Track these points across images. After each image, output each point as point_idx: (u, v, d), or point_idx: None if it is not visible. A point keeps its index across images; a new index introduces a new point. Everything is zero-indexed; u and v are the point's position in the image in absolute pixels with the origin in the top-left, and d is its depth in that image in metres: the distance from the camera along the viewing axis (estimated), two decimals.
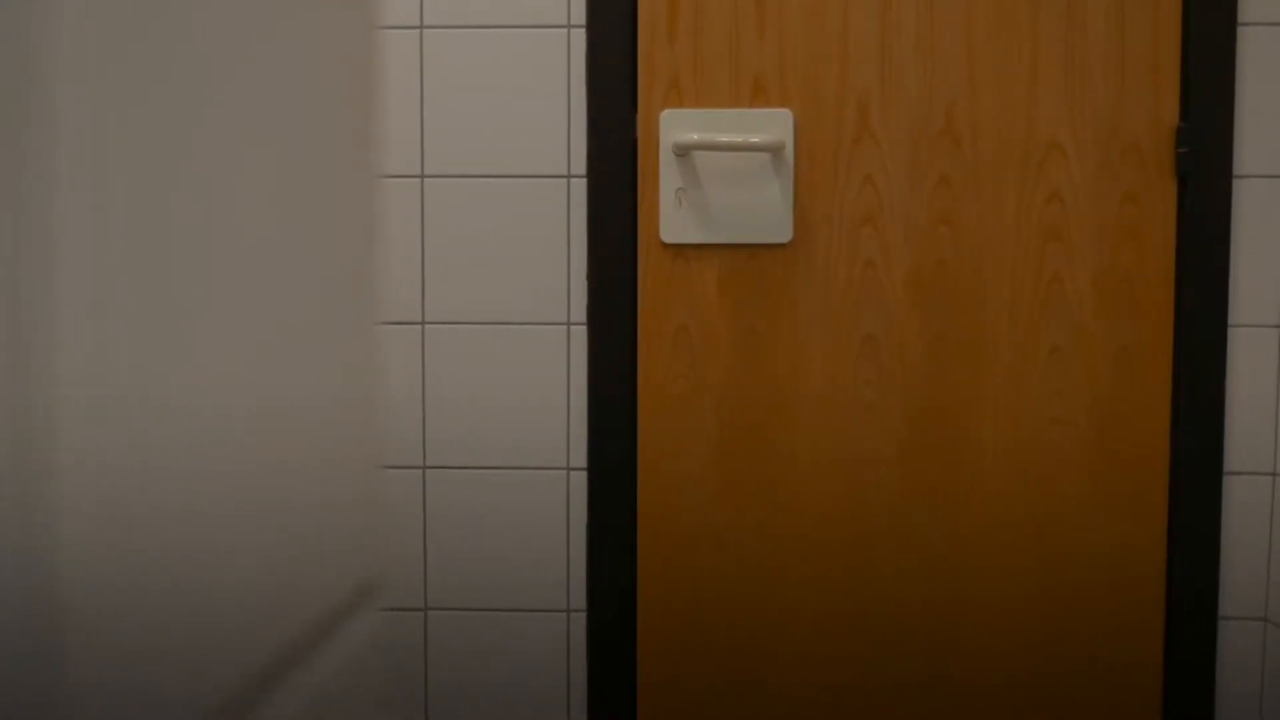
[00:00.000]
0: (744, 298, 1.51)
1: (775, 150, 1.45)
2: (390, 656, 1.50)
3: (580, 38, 1.45)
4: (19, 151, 0.27)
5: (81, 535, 0.30)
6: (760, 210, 1.49)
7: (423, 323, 1.48)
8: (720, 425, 1.51)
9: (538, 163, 1.47)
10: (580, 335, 1.47)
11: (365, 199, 0.53)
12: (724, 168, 1.48)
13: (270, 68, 0.42)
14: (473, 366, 1.48)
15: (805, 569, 1.51)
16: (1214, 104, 1.45)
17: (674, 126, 1.47)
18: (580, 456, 1.48)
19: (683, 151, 1.46)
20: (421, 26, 1.46)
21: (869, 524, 1.50)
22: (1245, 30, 1.45)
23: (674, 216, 1.48)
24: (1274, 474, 1.49)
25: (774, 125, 1.48)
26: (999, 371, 1.49)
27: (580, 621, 1.50)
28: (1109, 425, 1.49)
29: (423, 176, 1.47)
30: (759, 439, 1.51)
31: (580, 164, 1.46)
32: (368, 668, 0.53)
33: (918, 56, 1.48)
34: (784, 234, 1.49)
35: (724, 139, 1.44)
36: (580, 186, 1.47)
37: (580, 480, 1.49)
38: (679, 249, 1.49)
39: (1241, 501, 1.48)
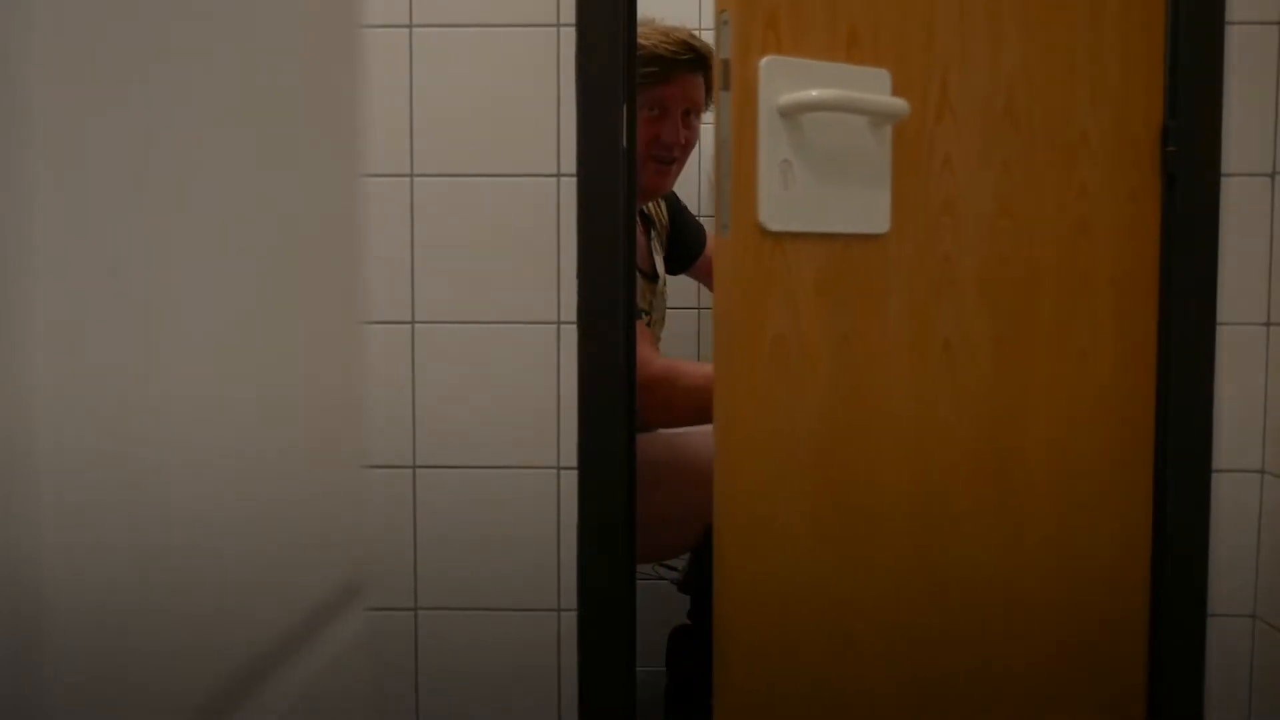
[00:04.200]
0: (840, 300, 1.23)
1: (897, 117, 1.19)
2: (381, 656, 1.50)
3: (570, 36, 1.45)
4: None
5: (62, 532, 0.30)
6: (859, 193, 1.20)
7: (412, 322, 1.48)
8: (817, 456, 1.22)
9: (528, 162, 1.46)
10: (570, 334, 1.47)
11: (351, 198, 0.53)
12: (830, 138, 1.17)
13: (259, 67, 0.42)
14: (463, 366, 1.48)
15: (882, 587, 1.31)
16: (1202, 102, 1.45)
17: (778, 78, 1.12)
18: (571, 456, 1.48)
19: (795, 112, 1.13)
20: (411, 25, 1.46)
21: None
22: (1233, 29, 1.45)
23: (778, 197, 1.13)
24: (1262, 471, 1.49)
25: (872, 88, 1.20)
26: (1040, 374, 1.39)
27: (571, 621, 1.50)
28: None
29: (412, 175, 1.47)
30: (852, 473, 1.27)
31: (570, 163, 1.46)
32: (355, 668, 0.53)
33: (989, 26, 1.30)
34: (882, 223, 1.22)
35: (866, 98, 1.13)
36: (570, 185, 1.46)
37: (571, 479, 1.48)
38: (778, 239, 1.15)
39: (1230, 499, 1.49)
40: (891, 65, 1.21)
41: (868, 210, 1.21)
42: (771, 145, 1.12)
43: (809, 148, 1.15)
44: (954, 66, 1.26)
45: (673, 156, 1.93)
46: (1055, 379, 1.40)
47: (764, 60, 1.12)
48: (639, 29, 1.62)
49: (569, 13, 1.45)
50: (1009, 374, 1.36)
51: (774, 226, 1.14)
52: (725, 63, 1.12)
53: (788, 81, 1.13)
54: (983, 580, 1.37)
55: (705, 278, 2.28)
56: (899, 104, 1.16)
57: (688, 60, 1.90)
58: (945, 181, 1.27)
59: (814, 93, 1.12)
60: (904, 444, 1.27)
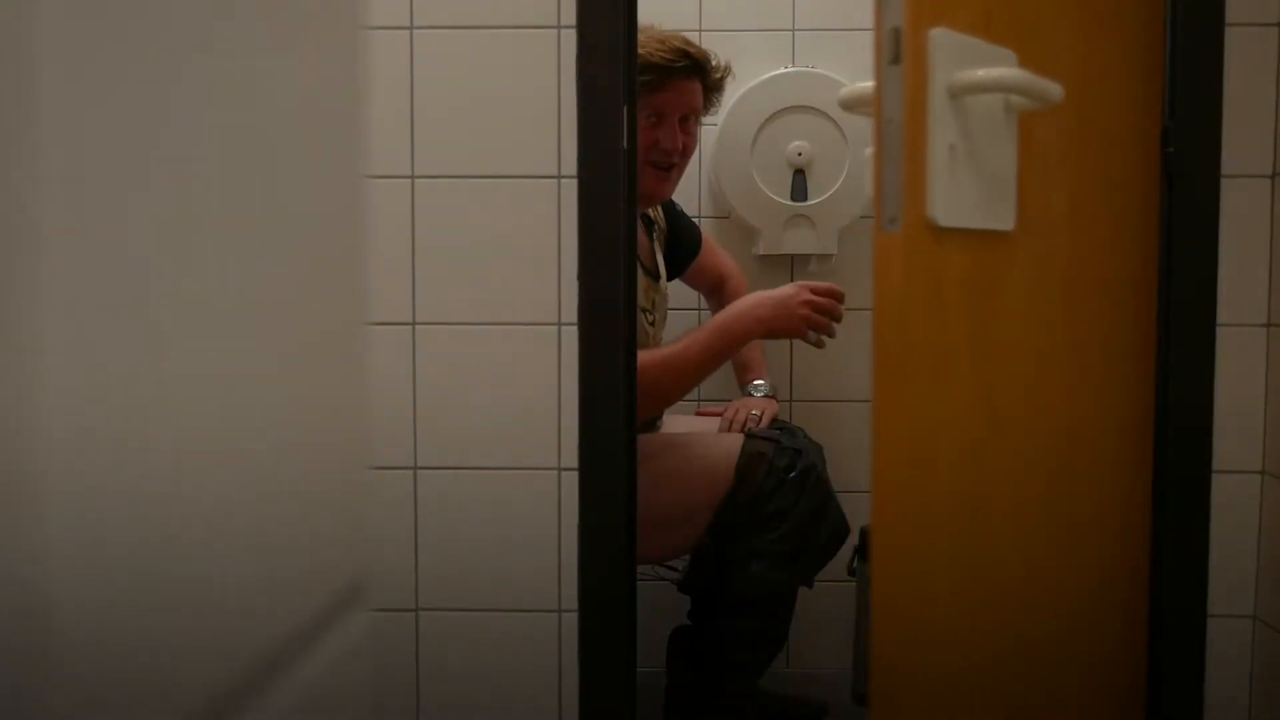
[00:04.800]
0: (978, 305, 1.11)
1: (1054, 101, 1.05)
2: (383, 656, 1.50)
3: (570, 37, 1.45)
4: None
5: (68, 531, 0.30)
6: (995, 186, 1.07)
7: (413, 323, 1.48)
8: (961, 468, 1.10)
9: (529, 163, 1.47)
10: (571, 335, 1.47)
11: (353, 199, 0.53)
12: (979, 123, 1.03)
13: (262, 69, 0.42)
14: (464, 367, 1.48)
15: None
16: (1201, 103, 1.45)
17: (944, 53, 0.98)
18: (571, 457, 1.48)
19: (966, 92, 0.99)
20: (412, 27, 1.46)
21: None
22: (1232, 30, 1.45)
23: (947, 188, 0.99)
24: (1262, 471, 1.49)
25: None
26: (1094, 381, 1.35)
27: (571, 621, 1.50)
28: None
29: (413, 177, 1.47)
30: (985, 486, 1.16)
31: (571, 164, 1.46)
32: (357, 668, 0.53)
33: (1068, 15, 1.22)
34: (1008, 218, 1.08)
35: (1040, 82, 1.00)
36: (571, 186, 1.47)
37: (571, 480, 1.48)
38: (941, 236, 1.00)
39: (1230, 499, 1.49)
40: (1017, 49, 1.09)
41: (1001, 205, 1.08)
42: (941, 128, 0.98)
43: (970, 133, 1.01)
44: (1046, 57, 1.14)
45: (671, 162, 1.93)
46: (1103, 386, 1.37)
47: (934, 31, 0.98)
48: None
49: (569, 14, 1.45)
50: (1076, 382, 1.30)
51: (944, 221, 0.99)
52: (895, 32, 0.97)
53: (951, 57, 0.99)
54: (1039, 583, 1.32)
55: (698, 284, 2.28)
56: (1057, 88, 1.03)
57: (684, 67, 1.91)
58: (1045, 178, 1.16)
59: (990, 71, 0.98)
60: (1018, 455, 1.20)
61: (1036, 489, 1.27)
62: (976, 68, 1.00)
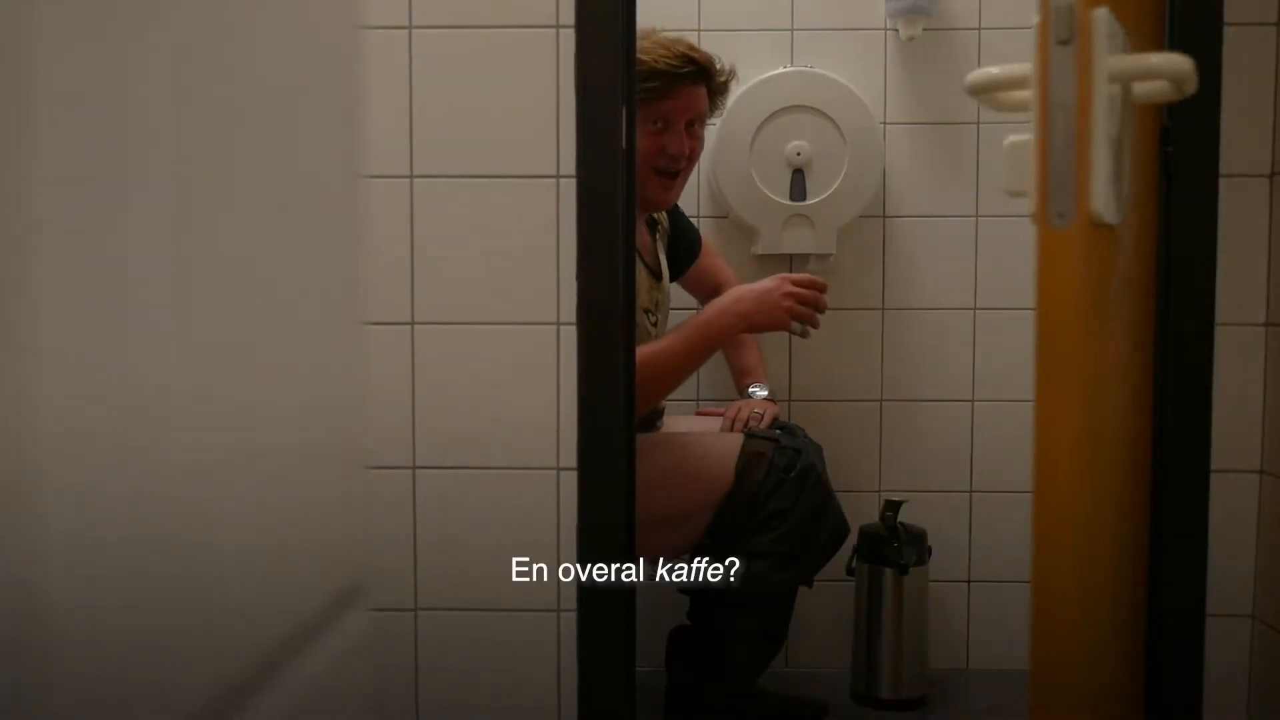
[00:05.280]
0: (1100, 305, 1.07)
1: (1190, 92, 0.98)
2: (382, 656, 1.50)
3: (569, 37, 1.45)
4: None
5: (68, 532, 0.30)
6: (1121, 177, 1.02)
7: (412, 323, 1.48)
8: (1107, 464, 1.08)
9: (527, 163, 1.47)
10: (570, 334, 1.47)
11: (352, 199, 0.53)
12: (1119, 112, 0.98)
13: (260, 69, 0.42)
14: (463, 367, 1.48)
15: None
16: (1200, 103, 1.45)
17: (1105, 37, 0.92)
18: (570, 456, 1.48)
19: (1124, 78, 0.96)
20: (410, 26, 1.46)
21: None
22: (1231, 30, 1.45)
23: (1108, 182, 0.94)
24: (1261, 471, 1.49)
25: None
26: (1135, 385, 1.32)
27: (571, 621, 1.50)
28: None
29: (412, 176, 1.47)
30: (1099, 488, 1.13)
31: (570, 164, 1.46)
32: (356, 667, 0.53)
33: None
34: (1121, 212, 1.03)
35: (1195, 75, 0.93)
36: (570, 186, 1.47)
37: (570, 480, 1.48)
38: (1096, 232, 0.95)
39: (1229, 499, 1.49)
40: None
41: (1118, 198, 1.02)
42: (1105, 117, 0.92)
43: (1121, 123, 0.96)
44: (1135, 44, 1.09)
45: (678, 168, 1.93)
46: (1140, 389, 1.35)
47: (1098, 11, 0.91)
48: (639, 42, 1.62)
49: (568, 14, 1.45)
50: (1138, 387, 1.29)
51: (1108, 218, 0.93)
52: (1069, 9, 0.91)
53: (1106, 40, 0.93)
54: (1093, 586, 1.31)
55: (696, 290, 2.28)
56: (1195, 80, 0.98)
57: (690, 72, 1.90)
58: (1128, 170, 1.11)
59: (1166, 57, 0.93)
60: (1112, 455, 1.17)
61: (1114, 489, 1.24)
62: (1120, 53, 0.93)
